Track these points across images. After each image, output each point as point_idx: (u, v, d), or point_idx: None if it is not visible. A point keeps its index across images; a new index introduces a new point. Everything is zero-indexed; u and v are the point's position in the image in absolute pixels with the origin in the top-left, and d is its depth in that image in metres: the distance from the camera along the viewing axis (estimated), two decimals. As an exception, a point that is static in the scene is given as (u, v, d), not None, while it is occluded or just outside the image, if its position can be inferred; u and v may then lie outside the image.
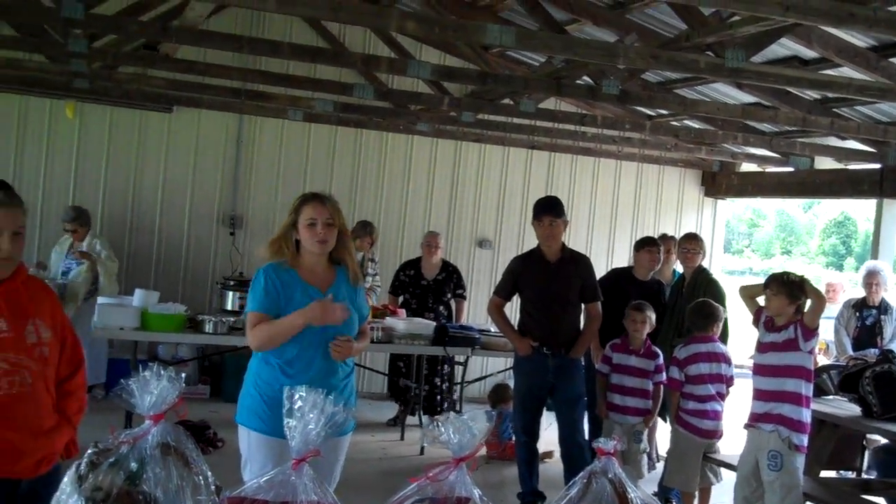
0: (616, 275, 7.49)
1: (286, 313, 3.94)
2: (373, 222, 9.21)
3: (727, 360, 6.35)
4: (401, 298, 8.91)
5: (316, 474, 2.66)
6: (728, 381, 6.33)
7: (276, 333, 3.93)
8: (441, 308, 8.85)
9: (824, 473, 6.46)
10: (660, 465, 6.95)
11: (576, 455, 6.31)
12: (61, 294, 8.07)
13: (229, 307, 8.25)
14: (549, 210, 6.40)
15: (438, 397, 8.95)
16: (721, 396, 6.28)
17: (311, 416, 2.59)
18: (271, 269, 4.03)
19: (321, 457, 2.71)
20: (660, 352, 6.65)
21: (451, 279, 8.94)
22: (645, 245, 7.37)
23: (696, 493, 6.32)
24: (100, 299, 7.59)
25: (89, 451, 2.49)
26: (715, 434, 6.26)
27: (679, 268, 7.82)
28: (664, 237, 8.20)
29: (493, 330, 8.05)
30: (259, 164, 10.06)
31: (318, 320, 3.89)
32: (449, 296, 8.94)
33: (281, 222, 4.14)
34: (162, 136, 9.79)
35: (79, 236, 8.56)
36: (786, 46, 6.71)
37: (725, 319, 6.70)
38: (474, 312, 10.11)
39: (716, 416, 6.23)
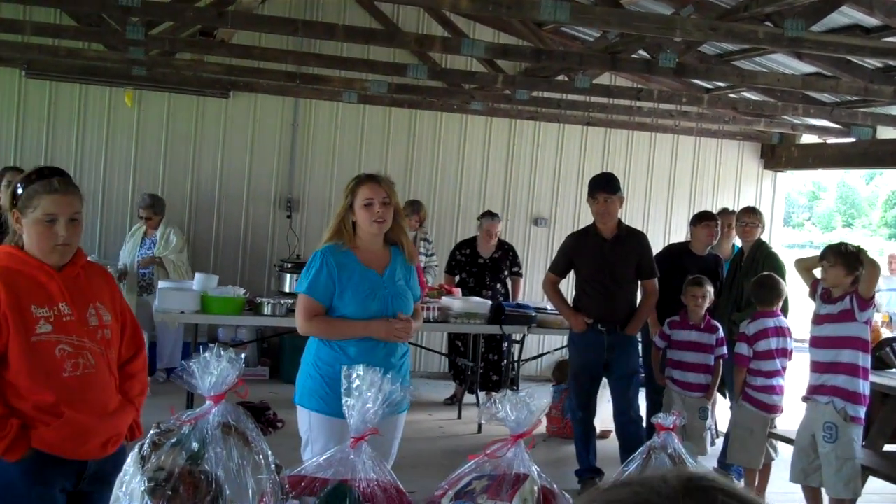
0: (673, 250, 7.42)
1: (343, 296, 4.00)
2: (421, 201, 9.18)
3: (790, 335, 6.27)
4: (457, 278, 8.91)
5: (374, 452, 2.68)
6: (788, 355, 6.24)
7: (335, 335, 4.04)
8: (498, 286, 8.85)
9: (888, 447, 6.34)
10: (719, 441, 6.89)
11: (631, 431, 6.29)
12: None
13: (287, 289, 8.33)
14: (604, 187, 6.35)
15: (495, 376, 8.95)
16: (784, 370, 6.21)
17: (369, 394, 2.61)
18: (329, 251, 4.07)
19: (379, 435, 2.73)
20: (719, 326, 6.57)
21: (507, 257, 8.94)
22: (702, 219, 7.29)
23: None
24: (160, 284, 7.72)
25: (151, 431, 2.53)
26: (778, 409, 6.19)
27: (738, 242, 7.71)
28: (723, 212, 8.09)
29: (549, 308, 8.02)
30: (314, 146, 10.12)
31: (383, 336, 4.01)
32: (505, 273, 8.93)
33: (336, 205, 4.17)
34: (219, 122, 9.89)
35: (152, 224, 8.69)
36: (846, 14, 6.56)
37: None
38: (530, 290, 10.08)
39: (781, 391, 6.16)
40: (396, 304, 4.09)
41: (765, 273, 6.50)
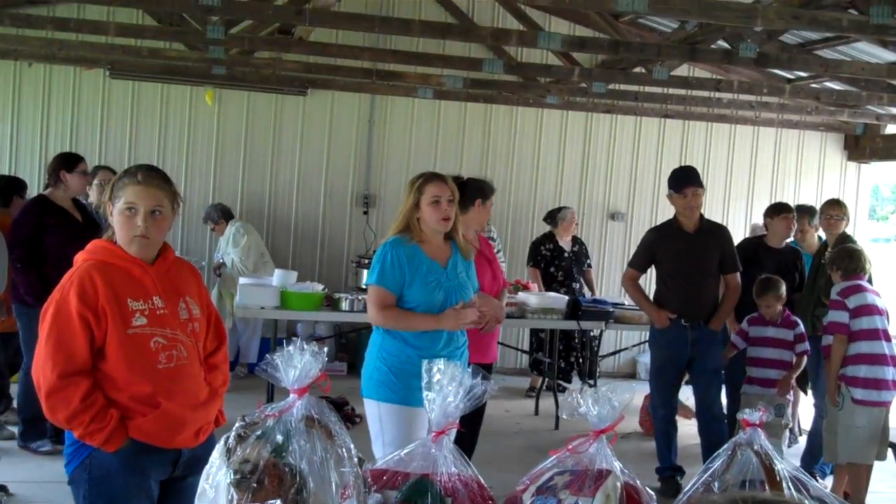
0: (748, 244, 7.27)
1: (412, 286, 4.15)
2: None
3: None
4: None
5: (455, 447, 2.68)
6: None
7: (407, 327, 4.16)
8: (582, 279, 8.96)
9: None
10: (802, 440, 6.73)
11: (715, 428, 6.19)
12: None
13: (364, 285, 8.37)
14: (692, 181, 6.28)
15: (573, 372, 8.92)
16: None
17: (450, 388, 2.61)
18: (396, 243, 4.21)
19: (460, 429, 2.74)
20: (799, 321, 6.40)
21: (583, 251, 9.00)
22: (779, 211, 7.10)
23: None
24: (241, 279, 7.84)
25: (237, 424, 2.57)
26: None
27: (824, 235, 7.52)
28: (803, 208, 7.86)
29: (626, 303, 7.94)
30: (390, 143, 10.16)
31: (451, 327, 4.17)
32: (583, 267, 8.97)
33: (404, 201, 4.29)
34: (297, 119, 10.00)
35: (219, 230, 9.04)
36: (936, 0, 6.35)
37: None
38: (608, 285, 10.00)
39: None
40: (459, 294, 4.27)
41: (850, 244, 6.29)
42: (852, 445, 5.77)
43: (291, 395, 2.61)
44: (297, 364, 2.58)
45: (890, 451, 5.96)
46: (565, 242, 8.95)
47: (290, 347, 2.61)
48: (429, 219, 4.21)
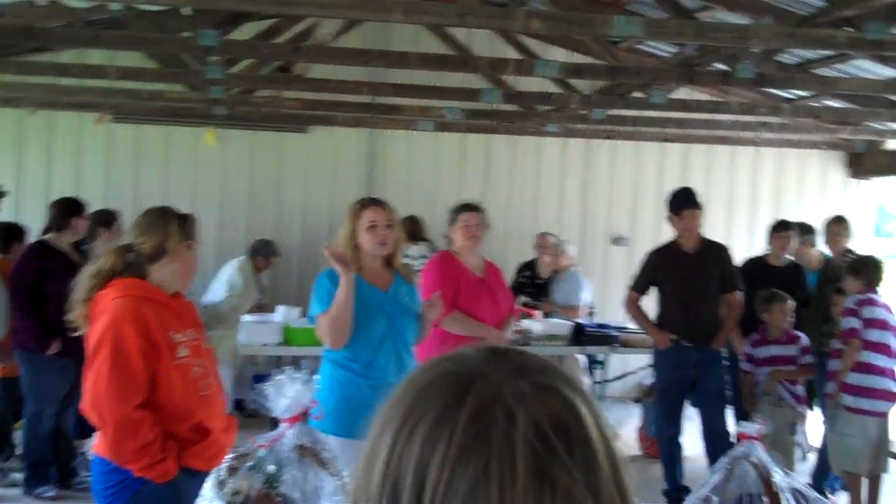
0: (749, 263, 7.29)
1: (353, 314, 4.08)
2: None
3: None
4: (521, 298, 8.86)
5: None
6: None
7: (336, 315, 4.06)
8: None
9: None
10: (811, 457, 6.67)
11: (720, 449, 6.12)
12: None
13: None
14: (690, 202, 6.31)
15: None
16: None
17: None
18: (334, 273, 4.17)
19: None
20: (801, 335, 6.38)
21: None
22: (774, 230, 7.19)
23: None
24: (244, 317, 7.83)
25: (228, 456, 2.57)
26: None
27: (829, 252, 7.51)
28: (804, 226, 7.84)
29: (631, 327, 7.91)
30: (392, 176, 10.18)
31: (344, 269, 4.05)
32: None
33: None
34: (300, 157, 10.05)
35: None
36: (930, 14, 6.36)
37: None
38: (611, 309, 9.96)
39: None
40: (402, 320, 4.23)
41: (866, 254, 6.33)
42: (843, 453, 5.80)
43: (282, 425, 2.60)
44: (288, 393, 2.57)
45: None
46: (544, 269, 8.85)
47: (281, 376, 2.62)
48: (366, 244, 4.21)
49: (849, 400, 5.75)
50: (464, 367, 0.94)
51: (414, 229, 8.67)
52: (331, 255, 4.08)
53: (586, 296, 8.55)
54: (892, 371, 5.81)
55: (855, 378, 5.77)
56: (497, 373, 0.93)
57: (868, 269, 5.99)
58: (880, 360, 5.77)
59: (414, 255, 8.07)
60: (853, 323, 5.83)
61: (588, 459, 0.88)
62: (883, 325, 5.80)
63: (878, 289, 5.99)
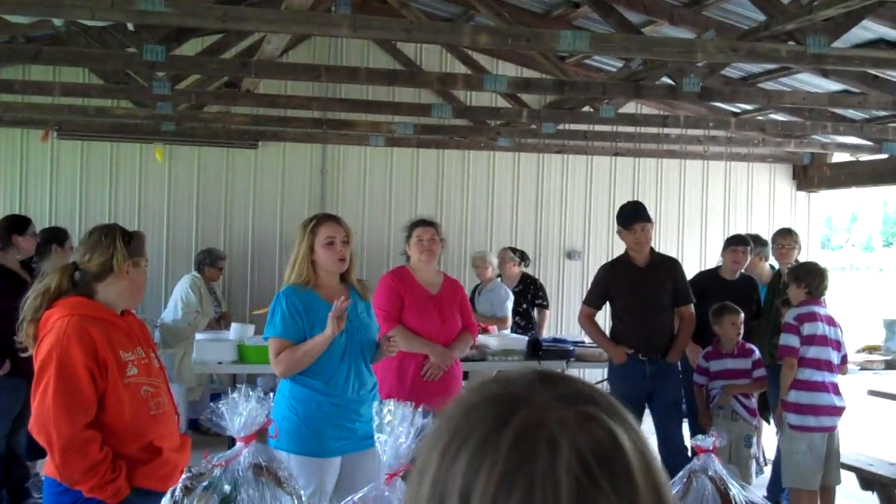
0: (702, 277, 7.33)
1: (312, 334, 4.06)
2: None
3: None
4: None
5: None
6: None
7: (304, 355, 4.05)
8: (517, 318, 8.77)
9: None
10: (767, 469, 6.73)
11: (678, 462, 6.14)
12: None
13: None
14: (640, 216, 6.30)
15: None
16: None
17: (401, 429, 2.57)
18: (291, 291, 4.15)
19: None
20: (755, 348, 6.43)
21: (528, 291, 8.89)
22: (728, 244, 7.22)
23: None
24: (197, 335, 7.73)
25: (183, 476, 2.52)
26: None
27: (776, 265, 7.59)
28: (757, 239, 7.93)
29: (587, 341, 7.93)
30: (344, 192, 10.15)
31: (338, 328, 4.01)
32: (525, 306, 8.88)
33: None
34: (249, 172, 9.96)
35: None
36: (870, 29, 6.50)
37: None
38: (567, 324, 9.99)
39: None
40: (360, 334, 4.22)
41: (810, 262, 6.37)
42: (793, 471, 5.82)
43: (238, 444, 2.56)
44: (243, 411, 2.53)
45: (850, 473, 6.00)
46: (508, 282, 8.86)
47: (235, 395, 2.57)
48: (323, 261, 4.17)
49: (793, 419, 5.77)
50: (508, 391, 0.96)
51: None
52: (338, 311, 4.01)
53: (510, 306, 8.57)
54: (835, 385, 5.85)
55: (797, 396, 5.77)
56: (541, 399, 0.94)
57: (809, 277, 5.96)
58: (820, 376, 5.79)
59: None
60: (791, 341, 5.81)
61: (629, 491, 0.90)
62: (823, 340, 5.81)
63: (821, 297, 5.98)
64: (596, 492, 0.88)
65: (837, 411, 5.82)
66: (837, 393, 5.83)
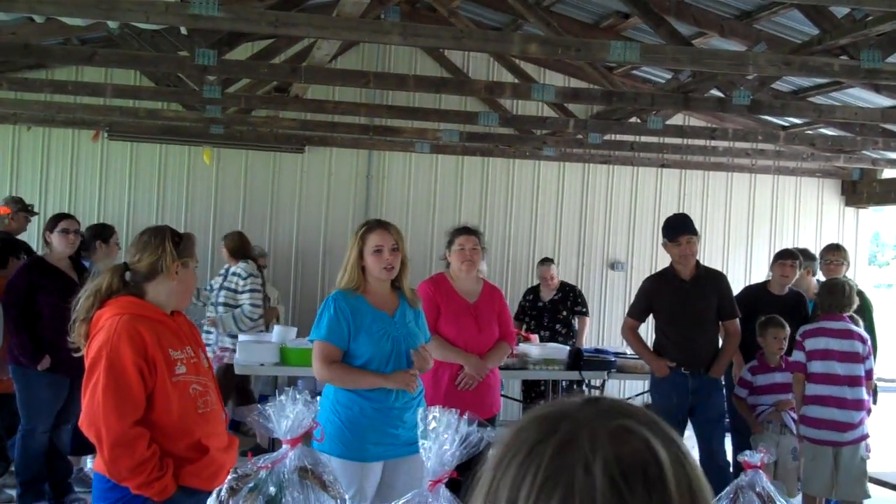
0: (750, 291, 7.25)
1: (357, 339, 4.10)
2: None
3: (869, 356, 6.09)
4: (524, 326, 8.88)
5: (452, 495, 2.63)
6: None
7: (353, 382, 4.11)
8: (557, 326, 8.85)
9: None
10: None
11: (719, 477, 6.09)
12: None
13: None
14: (686, 229, 6.25)
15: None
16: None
17: (446, 436, 2.57)
18: (340, 296, 4.18)
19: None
20: None
21: (567, 298, 8.95)
22: (777, 258, 7.13)
23: None
24: (240, 336, 7.78)
25: (229, 476, 2.53)
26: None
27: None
28: (805, 253, 7.85)
29: (629, 352, 7.88)
30: (388, 197, 10.19)
31: (399, 386, 4.10)
32: (565, 314, 8.88)
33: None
34: (295, 176, 10.04)
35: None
36: (925, 44, 6.39)
37: (874, 332, 6.39)
38: (609, 335, 9.94)
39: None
40: (408, 343, 4.21)
41: (834, 278, 6.38)
42: (805, 478, 6.03)
43: (284, 446, 2.57)
44: (290, 414, 2.55)
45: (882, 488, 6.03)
46: (547, 292, 8.95)
47: (283, 397, 2.59)
48: (372, 268, 4.18)
49: (804, 430, 5.96)
50: (555, 410, 1.05)
51: (240, 246, 8.31)
52: (404, 384, 4.12)
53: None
54: (843, 400, 5.89)
55: (805, 409, 5.97)
56: (584, 415, 1.03)
57: (832, 293, 6.06)
58: (824, 390, 5.90)
59: (242, 274, 8.02)
60: (797, 356, 6.02)
61: (664, 499, 0.96)
62: (824, 354, 5.90)
63: (842, 313, 6.02)
64: (630, 495, 0.94)
65: (841, 426, 5.85)
66: (847, 407, 5.88)
